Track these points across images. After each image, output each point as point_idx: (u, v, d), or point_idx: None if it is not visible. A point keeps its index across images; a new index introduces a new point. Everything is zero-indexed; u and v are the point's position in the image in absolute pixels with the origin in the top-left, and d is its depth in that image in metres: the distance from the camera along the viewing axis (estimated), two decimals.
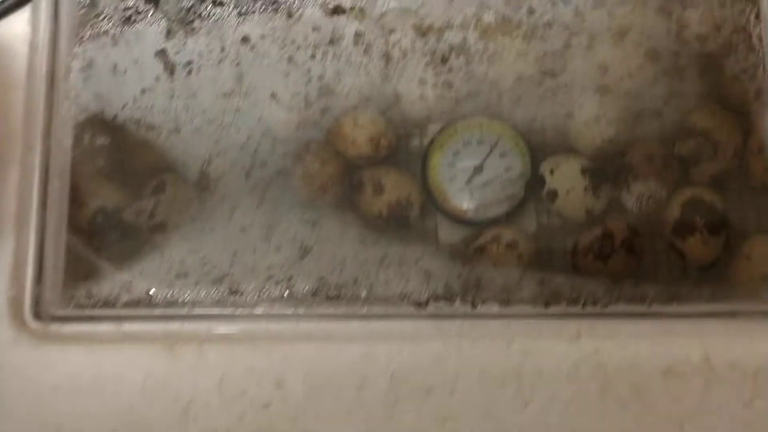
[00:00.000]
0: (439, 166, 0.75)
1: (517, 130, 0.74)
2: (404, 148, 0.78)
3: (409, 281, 0.61)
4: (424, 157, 0.76)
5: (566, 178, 0.72)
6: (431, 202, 0.75)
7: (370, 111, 0.75)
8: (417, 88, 0.67)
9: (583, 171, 0.72)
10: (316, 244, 0.63)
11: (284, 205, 0.65)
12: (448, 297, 0.61)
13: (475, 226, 0.74)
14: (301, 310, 0.60)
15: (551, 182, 0.72)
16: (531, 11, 0.62)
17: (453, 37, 0.64)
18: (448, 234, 0.76)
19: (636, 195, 0.69)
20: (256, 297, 0.59)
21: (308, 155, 0.75)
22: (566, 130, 0.73)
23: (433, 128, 0.76)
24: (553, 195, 0.72)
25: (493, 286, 0.62)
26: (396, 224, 0.75)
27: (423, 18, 0.64)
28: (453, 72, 0.65)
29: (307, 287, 0.61)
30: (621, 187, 0.69)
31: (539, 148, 0.75)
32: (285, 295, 0.60)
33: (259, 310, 0.60)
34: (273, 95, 0.66)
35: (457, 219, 0.75)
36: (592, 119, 0.70)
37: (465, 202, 0.74)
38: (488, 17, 0.63)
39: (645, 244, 0.72)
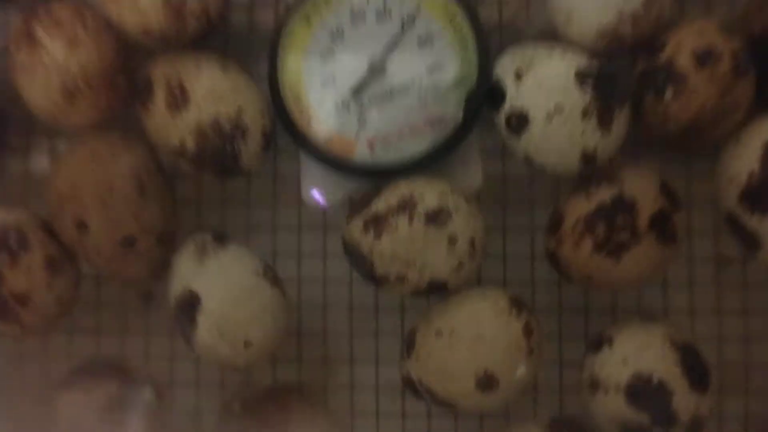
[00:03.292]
0: (304, 59, 0.39)
1: None
2: (240, 22, 0.42)
3: None
4: (275, 41, 0.39)
5: (547, 90, 0.36)
6: (286, 127, 0.39)
7: None
8: None
9: (581, 77, 0.36)
10: None
11: None
12: None
13: (371, 176, 0.38)
14: None
15: (518, 97, 0.37)
16: None
17: None
18: (318, 190, 0.40)
19: None
20: None
21: (41, 26, 0.38)
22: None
23: None
24: (522, 121, 0.37)
25: None
26: (212, 167, 0.39)
27: None
28: None
29: None
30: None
31: (496, 31, 0.39)
32: None
33: None
34: None
35: (336, 162, 0.39)
36: None
37: (351, 130, 0.38)
38: None
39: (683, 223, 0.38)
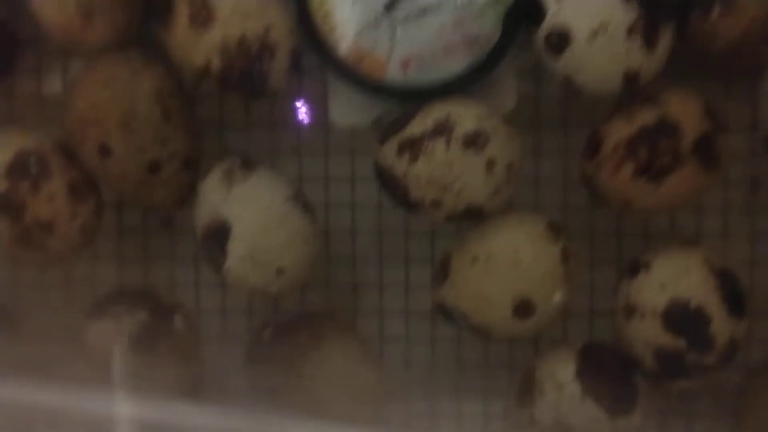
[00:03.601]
0: None
1: None
2: None
3: None
4: None
5: (591, 7, 0.35)
6: (314, 45, 0.37)
7: None
8: None
9: None
10: None
11: None
12: None
13: (403, 98, 0.37)
14: None
15: (560, 14, 0.35)
16: None
17: None
18: (347, 111, 0.39)
19: None
20: None
21: None
22: None
23: None
24: (563, 40, 0.35)
25: None
26: (239, 88, 0.37)
27: None
28: None
29: None
30: None
31: None
32: None
33: None
34: None
35: (367, 82, 0.37)
36: None
37: (382, 49, 0.37)
38: None
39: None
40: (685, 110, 0.35)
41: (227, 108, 0.40)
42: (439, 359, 0.41)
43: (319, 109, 0.39)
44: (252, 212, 0.36)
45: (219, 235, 0.36)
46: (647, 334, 0.36)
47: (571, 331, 0.41)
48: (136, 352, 0.36)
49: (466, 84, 0.37)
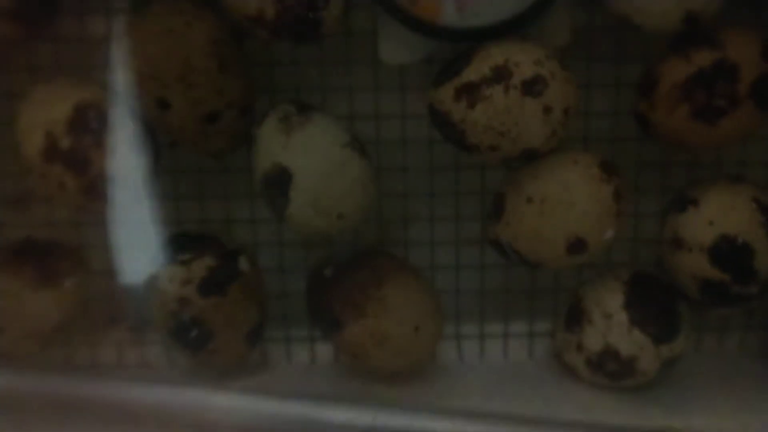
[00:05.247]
0: None
1: None
2: None
3: None
4: None
5: None
6: None
7: None
8: None
9: None
10: None
11: None
12: None
13: (457, 39, 0.37)
14: None
15: None
16: None
17: None
18: (397, 50, 0.38)
19: None
20: None
21: None
22: None
23: None
24: None
25: None
26: (292, 35, 0.37)
27: None
28: None
29: None
30: None
31: None
32: None
33: None
34: None
35: (421, 23, 0.37)
36: None
37: None
38: None
39: None
40: (743, 51, 0.35)
41: (275, 46, 0.40)
42: (487, 285, 0.43)
43: (368, 46, 0.39)
44: (312, 160, 0.37)
45: (280, 182, 0.37)
46: (693, 267, 0.38)
47: (615, 255, 0.42)
48: (205, 297, 0.38)
49: (521, 24, 0.36)
